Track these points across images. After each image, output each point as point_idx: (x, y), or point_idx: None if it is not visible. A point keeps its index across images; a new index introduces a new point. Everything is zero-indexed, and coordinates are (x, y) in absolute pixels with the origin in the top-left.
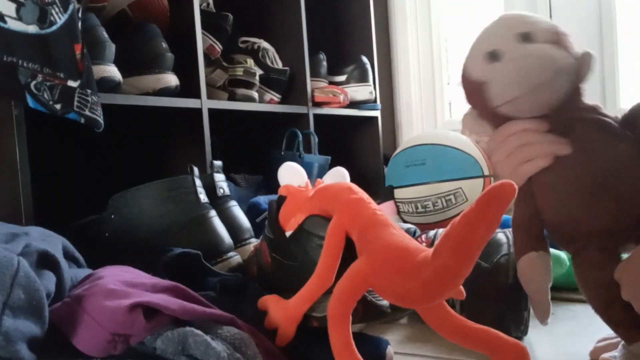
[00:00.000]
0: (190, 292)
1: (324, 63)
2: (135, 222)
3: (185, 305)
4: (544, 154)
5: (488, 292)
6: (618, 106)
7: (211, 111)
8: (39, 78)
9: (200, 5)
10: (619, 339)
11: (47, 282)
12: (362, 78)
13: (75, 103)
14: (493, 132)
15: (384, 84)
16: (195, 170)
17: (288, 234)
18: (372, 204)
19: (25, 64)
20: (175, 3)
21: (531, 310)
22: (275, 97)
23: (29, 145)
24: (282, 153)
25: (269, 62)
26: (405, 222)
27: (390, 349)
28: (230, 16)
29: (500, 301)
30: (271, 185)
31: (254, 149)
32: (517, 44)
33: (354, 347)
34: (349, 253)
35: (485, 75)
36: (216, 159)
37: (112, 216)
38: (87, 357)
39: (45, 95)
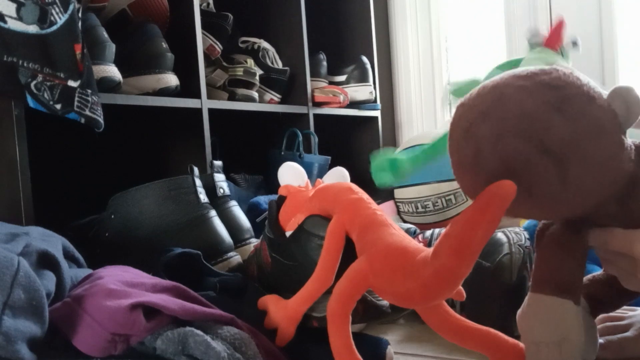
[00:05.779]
0: (190, 292)
1: (324, 63)
2: (135, 222)
3: (185, 305)
4: None
5: (492, 291)
6: None
7: (211, 111)
8: (39, 78)
9: (200, 5)
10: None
11: (47, 282)
12: (362, 78)
13: (76, 103)
14: None
15: (384, 84)
16: (195, 170)
17: (288, 234)
18: (372, 204)
19: (25, 64)
20: (175, 3)
21: None
22: (275, 97)
23: (29, 145)
24: (282, 153)
25: (269, 62)
26: (405, 222)
27: (390, 349)
28: (230, 16)
29: (504, 300)
30: (271, 185)
31: (254, 149)
32: None
33: (354, 347)
34: (349, 253)
35: None
36: (216, 159)
37: (112, 216)
38: (87, 357)
39: (46, 95)
